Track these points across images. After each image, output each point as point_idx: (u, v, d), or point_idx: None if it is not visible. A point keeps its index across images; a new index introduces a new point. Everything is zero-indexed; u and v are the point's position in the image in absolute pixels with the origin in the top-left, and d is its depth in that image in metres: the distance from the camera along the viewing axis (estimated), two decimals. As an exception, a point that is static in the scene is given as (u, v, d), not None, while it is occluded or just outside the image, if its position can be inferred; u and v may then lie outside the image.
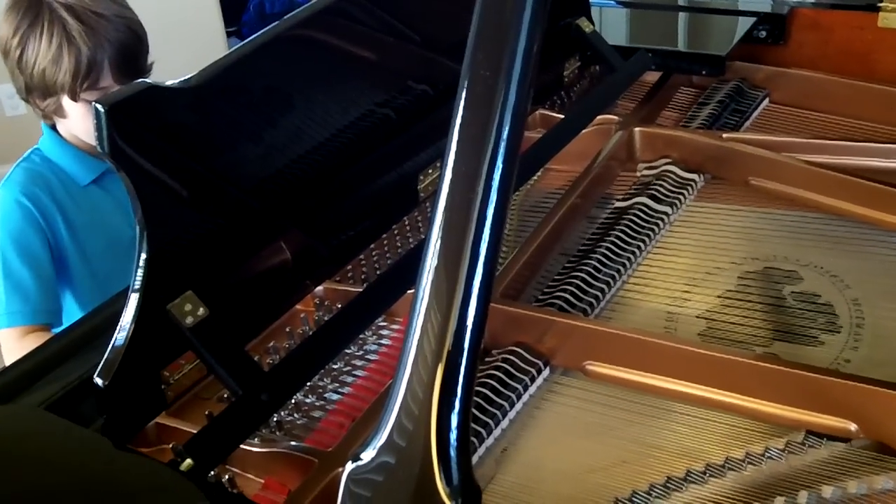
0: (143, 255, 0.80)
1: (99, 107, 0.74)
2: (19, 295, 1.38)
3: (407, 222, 1.25)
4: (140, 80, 0.80)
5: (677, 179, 1.29)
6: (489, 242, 0.60)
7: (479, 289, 0.61)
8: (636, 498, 0.83)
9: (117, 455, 0.80)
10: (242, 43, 0.88)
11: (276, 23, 0.91)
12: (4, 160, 1.70)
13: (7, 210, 1.41)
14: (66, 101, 1.37)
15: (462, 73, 0.61)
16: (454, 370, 0.60)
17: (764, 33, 1.58)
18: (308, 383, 0.99)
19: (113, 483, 0.77)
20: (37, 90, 1.38)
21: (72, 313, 1.45)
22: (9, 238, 1.39)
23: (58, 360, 0.94)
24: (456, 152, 0.61)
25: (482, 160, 0.60)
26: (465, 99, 0.61)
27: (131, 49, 1.38)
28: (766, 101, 1.50)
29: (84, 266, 1.45)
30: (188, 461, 0.79)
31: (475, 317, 0.60)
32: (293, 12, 0.93)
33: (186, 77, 0.82)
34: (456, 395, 0.60)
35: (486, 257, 0.60)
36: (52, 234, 1.42)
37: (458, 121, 0.61)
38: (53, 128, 1.46)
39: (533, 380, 0.98)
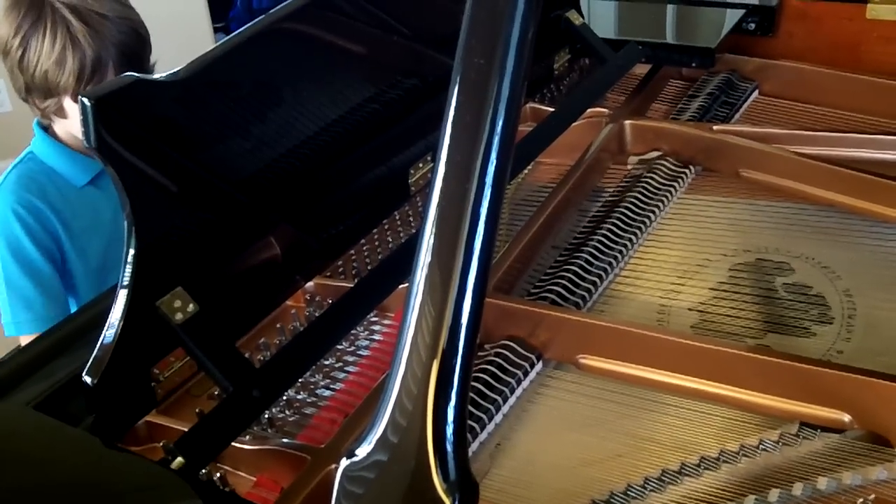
0: (132, 251, 0.79)
1: (86, 100, 0.73)
2: (22, 304, 1.37)
3: (397, 217, 1.24)
4: (127, 73, 0.79)
5: (668, 172, 1.28)
6: (484, 235, 0.60)
7: (474, 283, 0.60)
8: (631, 491, 0.83)
9: (107, 454, 0.79)
10: (230, 36, 0.87)
11: (264, 15, 0.90)
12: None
13: (2, 220, 1.39)
14: (67, 102, 1.35)
15: (455, 60, 0.60)
16: (450, 365, 0.59)
17: (753, 25, 1.58)
18: (300, 380, 0.98)
19: (103, 482, 0.77)
20: (38, 91, 1.35)
21: None
22: (7, 248, 1.37)
23: (46, 359, 0.93)
24: (449, 142, 0.60)
25: (476, 150, 0.59)
26: (459, 87, 0.60)
27: (135, 50, 1.36)
28: (755, 93, 1.50)
29: (85, 268, 1.43)
30: (179, 459, 0.78)
31: (470, 311, 0.60)
32: (281, 5, 0.92)
33: (174, 70, 0.81)
34: (452, 390, 0.59)
35: (480, 250, 0.60)
36: (51, 239, 1.40)
37: (452, 110, 0.60)
38: (47, 129, 1.44)
39: (526, 374, 0.98)
